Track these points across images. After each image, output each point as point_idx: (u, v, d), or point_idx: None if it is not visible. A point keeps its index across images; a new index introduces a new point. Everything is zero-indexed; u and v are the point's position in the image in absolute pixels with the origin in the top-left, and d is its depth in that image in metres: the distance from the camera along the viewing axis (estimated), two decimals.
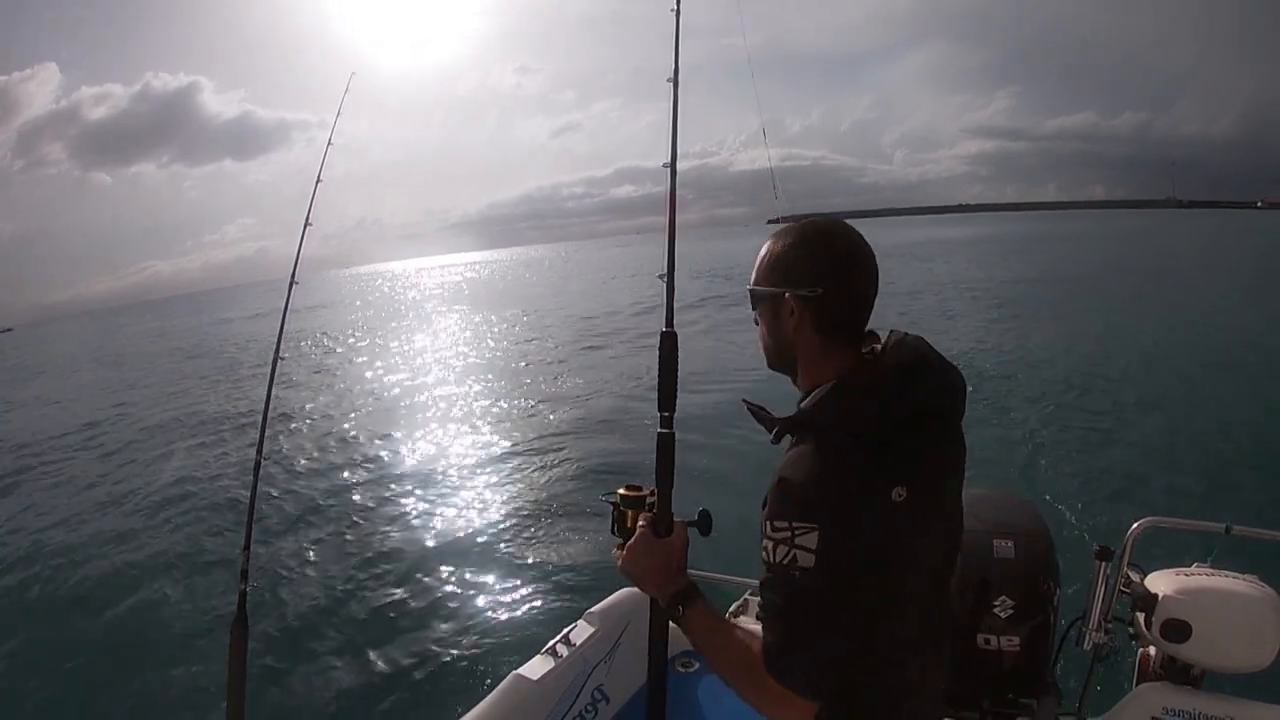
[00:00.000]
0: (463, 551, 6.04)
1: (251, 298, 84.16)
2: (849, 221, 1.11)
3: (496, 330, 23.23)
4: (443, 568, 5.74)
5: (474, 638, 4.66)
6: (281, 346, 2.03)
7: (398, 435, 10.26)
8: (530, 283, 52.11)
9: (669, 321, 1.28)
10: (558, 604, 4.91)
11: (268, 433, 2.02)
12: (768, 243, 1.10)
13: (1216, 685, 1.86)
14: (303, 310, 35.18)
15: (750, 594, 2.30)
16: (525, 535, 6.24)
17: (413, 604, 5.22)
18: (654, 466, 1.24)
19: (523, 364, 15.74)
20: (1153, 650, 1.94)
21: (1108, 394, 9.04)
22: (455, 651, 4.54)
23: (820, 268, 1.04)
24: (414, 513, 7.09)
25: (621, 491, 1.24)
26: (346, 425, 11.04)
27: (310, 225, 2.11)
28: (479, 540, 6.25)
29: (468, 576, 5.55)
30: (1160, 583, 1.85)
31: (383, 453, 9.42)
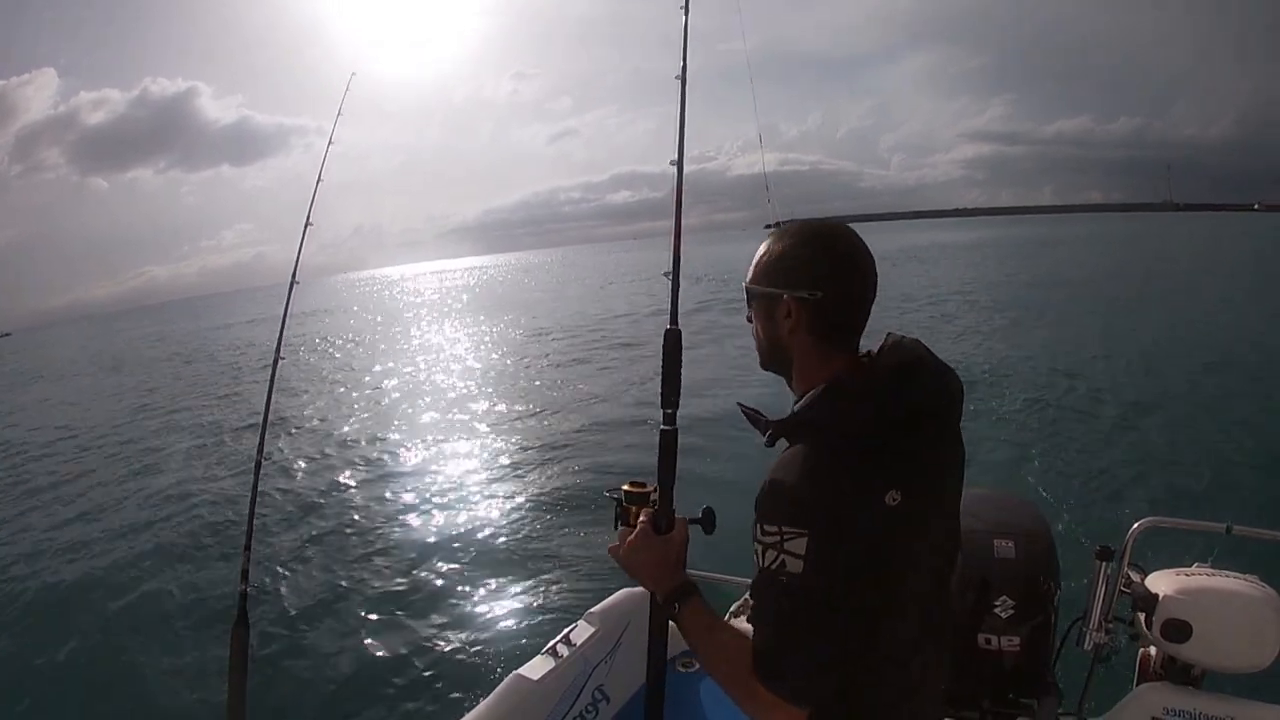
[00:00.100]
0: (463, 552, 6.04)
1: (250, 303, 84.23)
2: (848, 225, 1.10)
3: (496, 334, 23.25)
4: (443, 568, 5.75)
5: (474, 638, 4.66)
6: (281, 349, 2.04)
7: (397, 438, 10.26)
8: (529, 288, 52.17)
9: (673, 319, 1.28)
10: (558, 604, 4.91)
11: (268, 435, 2.02)
12: (767, 242, 1.10)
13: (1217, 685, 1.86)
14: (302, 316, 35.22)
15: (749, 595, 2.29)
16: (525, 535, 6.24)
17: (413, 604, 5.22)
18: (656, 465, 1.24)
19: (523, 367, 15.76)
20: (1153, 650, 1.94)
21: (1108, 394, 9.04)
22: (456, 651, 4.54)
23: (820, 270, 1.03)
24: (414, 513, 7.09)
25: (626, 488, 1.24)
26: (346, 428, 11.05)
27: (311, 225, 2.12)
28: (479, 540, 6.25)
29: (468, 577, 5.55)
30: (1161, 583, 1.84)
31: (382, 455, 9.42)
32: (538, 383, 13.65)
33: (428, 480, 8.14)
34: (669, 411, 1.26)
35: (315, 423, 11.58)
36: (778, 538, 0.93)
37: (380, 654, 4.60)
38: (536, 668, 1.92)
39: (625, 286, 38.77)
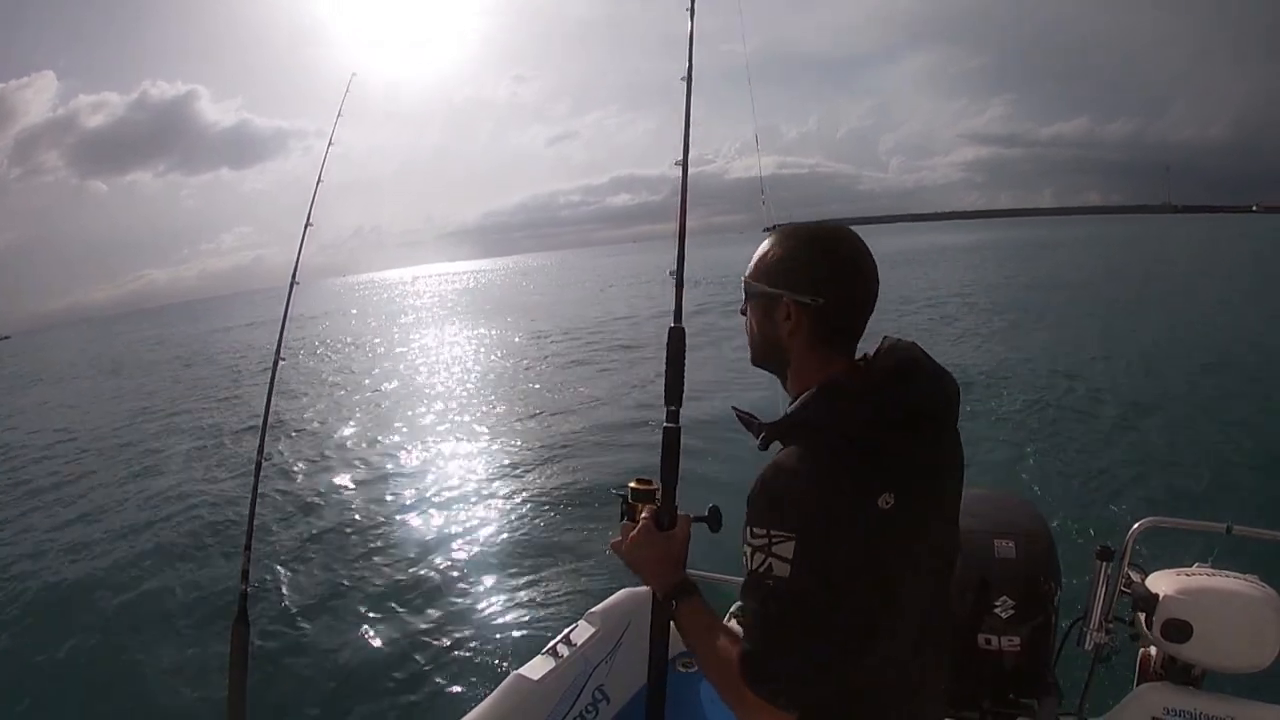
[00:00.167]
0: (463, 551, 6.04)
1: (249, 306, 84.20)
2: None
3: (496, 337, 23.25)
4: (443, 567, 5.75)
5: (475, 637, 4.66)
6: (282, 349, 2.04)
7: (397, 439, 10.26)
8: (528, 291, 52.20)
9: (677, 317, 1.29)
10: (558, 604, 4.91)
11: (269, 436, 2.02)
12: (770, 239, 1.09)
13: (1217, 685, 1.86)
14: (302, 319, 35.20)
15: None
16: (525, 535, 6.24)
17: (413, 603, 5.21)
18: (659, 464, 1.24)
19: (523, 369, 15.77)
20: (1153, 650, 1.94)
21: (1107, 395, 9.05)
22: (456, 651, 4.53)
23: (821, 274, 1.03)
24: (414, 513, 7.09)
25: (632, 485, 1.25)
26: (346, 430, 11.05)
27: (311, 225, 2.12)
28: (480, 540, 6.26)
29: (468, 576, 5.55)
30: (1161, 583, 1.84)
31: (382, 456, 9.42)
32: (538, 384, 13.66)
33: (428, 480, 8.14)
34: (672, 409, 1.26)
35: (315, 425, 11.58)
36: (765, 540, 0.93)
37: (380, 653, 4.60)
38: (537, 668, 1.92)
39: (625, 289, 38.82)
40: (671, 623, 1.17)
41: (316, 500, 7.68)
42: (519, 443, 9.31)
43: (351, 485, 8.20)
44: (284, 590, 5.54)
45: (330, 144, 2.32)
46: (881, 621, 0.97)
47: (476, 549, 6.08)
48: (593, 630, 2.05)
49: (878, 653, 0.98)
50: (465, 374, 15.96)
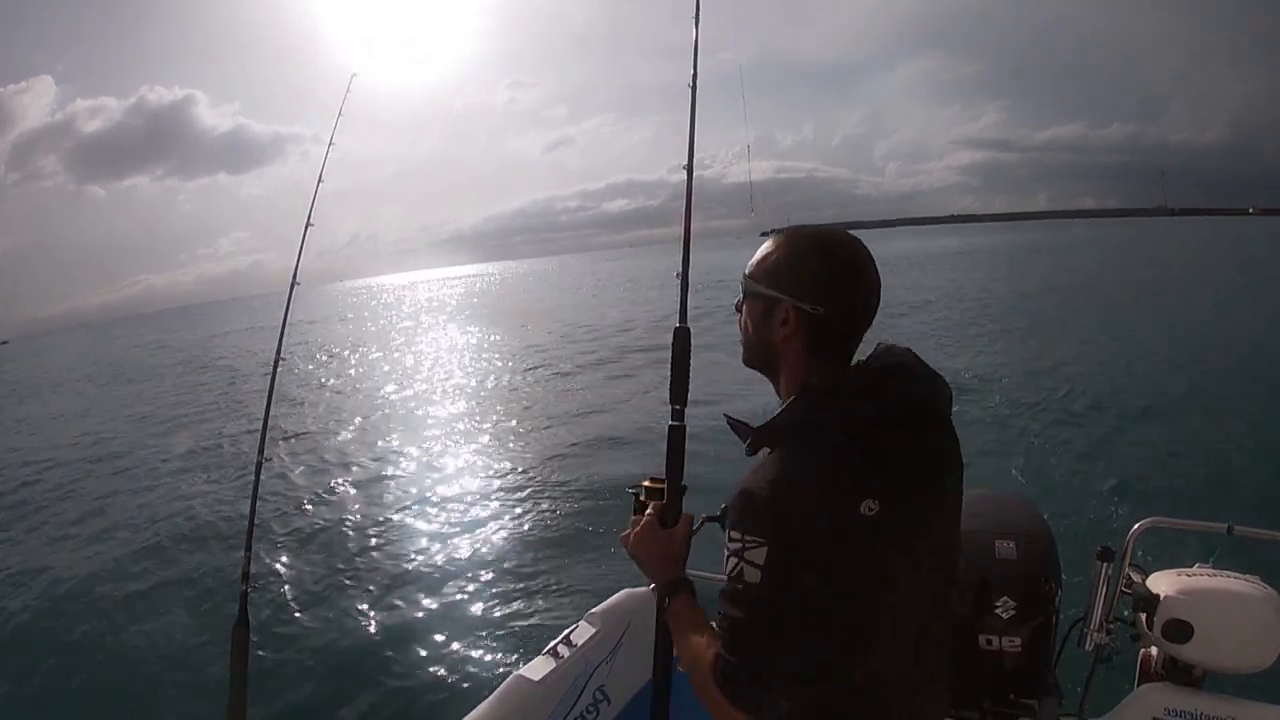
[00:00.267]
0: (464, 552, 6.05)
1: (246, 311, 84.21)
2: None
3: (496, 341, 23.23)
4: (444, 568, 5.75)
5: (475, 638, 4.67)
6: (282, 350, 2.04)
7: (398, 442, 10.27)
8: (528, 294, 52.22)
9: (683, 317, 1.31)
10: (559, 604, 4.91)
11: (268, 439, 2.03)
12: (772, 241, 1.08)
13: (1218, 686, 1.86)
14: (301, 324, 35.17)
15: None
16: (526, 537, 6.24)
17: (414, 604, 5.22)
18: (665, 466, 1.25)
19: (523, 371, 15.77)
20: (1154, 651, 1.94)
21: (1107, 396, 9.05)
22: (456, 651, 4.54)
23: (822, 280, 1.01)
24: (415, 515, 7.09)
25: (646, 483, 1.26)
26: (346, 433, 11.08)
27: (312, 226, 2.12)
28: (480, 542, 6.25)
29: (469, 577, 5.55)
30: (1162, 583, 1.84)
31: (383, 458, 9.42)
32: (539, 387, 13.67)
33: (428, 482, 8.15)
34: (678, 408, 1.27)
35: (315, 428, 11.58)
36: (740, 545, 0.93)
37: (381, 653, 4.60)
38: (537, 668, 1.91)
39: (625, 293, 38.83)
40: None
41: (318, 500, 7.69)
42: (519, 444, 9.32)
43: (352, 487, 8.20)
44: (285, 590, 5.54)
45: (331, 144, 2.31)
46: (877, 628, 0.96)
47: (477, 550, 6.08)
48: (593, 631, 2.05)
49: (870, 659, 0.98)
50: (465, 378, 15.96)
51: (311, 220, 2.14)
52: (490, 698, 1.83)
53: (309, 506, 7.51)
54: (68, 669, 4.85)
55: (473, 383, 14.98)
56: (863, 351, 1.08)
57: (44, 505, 9.06)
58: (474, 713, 1.78)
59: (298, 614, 5.20)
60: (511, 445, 9.37)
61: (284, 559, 6.12)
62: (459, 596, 5.29)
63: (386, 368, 19.11)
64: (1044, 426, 7.97)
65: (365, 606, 5.25)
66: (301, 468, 9.11)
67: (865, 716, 1.02)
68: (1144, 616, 1.82)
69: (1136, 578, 1.89)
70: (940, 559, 1.05)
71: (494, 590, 5.31)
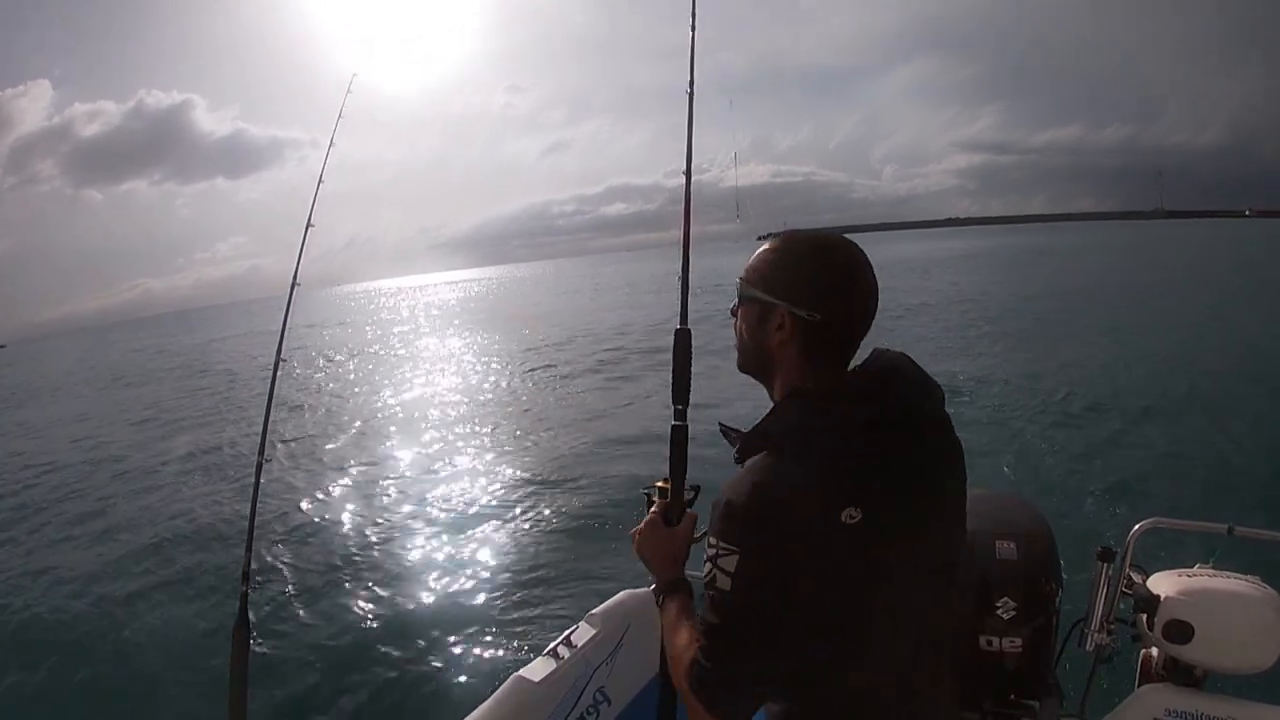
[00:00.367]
0: (465, 553, 6.05)
1: (244, 315, 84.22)
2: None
3: (496, 345, 23.23)
4: (445, 569, 5.75)
5: (475, 639, 4.66)
6: (283, 352, 2.04)
7: (398, 445, 10.29)
8: (527, 297, 52.24)
9: (683, 319, 1.32)
10: (559, 605, 4.91)
11: (268, 441, 2.03)
12: (769, 245, 1.07)
13: (1219, 686, 1.85)
14: (300, 329, 35.18)
15: None
16: (526, 537, 6.25)
17: (414, 605, 5.22)
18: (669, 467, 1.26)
19: (523, 375, 15.77)
20: (1155, 651, 1.94)
21: (1108, 397, 9.06)
22: (457, 652, 4.54)
23: (820, 287, 1.00)
24: (415, 516, 7.09)
25: (659, 484, 1.27)
26: (346, 436, 11.09)
27: (313, 226, 2.12)
28: (480, 542, 6.26)
29: (470, 577, 5.56)
30: (1162, 584, 1.84)
31: (383, 461, 9.44)
32: (539, 391, 13.67)
33: (429, 483, 8.15)
34: (679, 408, 1.29)
35: (315, 431, 11.60)
36: (715, 552, 0.94)
37: (381, 654, 4.60)
38: (537, 669, 1.91)
39: (623, 297, 38.88)
40: None
41: (318, 502, 7.70)
42: (519, 446, 9.33)
43: (352, 488, 8.21)
44: (286, 591, 5.54)
45: (331, 144, 2.31)
46: (877, 626, 0.96)
47: (477, 551, 6.09)
48: (593, 632, 2.04)
49: (859, 662, 0.97)
50: (465, 380, 15.99)
51: (312, 221, 2.14)
52: (490, 699, 1.82)
53: (310, 507, 7.52)
54: (69, 668, 4.85)
55: (472, 386, 14.99)
56: (858, 357, 1.06)
57: (44, 507, 9.07)
58: (474, 714, 1.78)
59: (298, 614, 5.20)
60: (511, 447, 9.37)
61: (285, 559, 6.12)
62: (459, 597, 5.29)
63: (386, 370, 19.13)
64: (1044, 427, 7.98)
65: (365, 607, 5.25)
66: (303, 469, 9.13)
67: (865, 718, 1.02)
68: (1144, 617, 1.82)
69: (1137, 578, 1.89)
70: (941, 560, 1.05)
71: (494, 591, 5.31)
